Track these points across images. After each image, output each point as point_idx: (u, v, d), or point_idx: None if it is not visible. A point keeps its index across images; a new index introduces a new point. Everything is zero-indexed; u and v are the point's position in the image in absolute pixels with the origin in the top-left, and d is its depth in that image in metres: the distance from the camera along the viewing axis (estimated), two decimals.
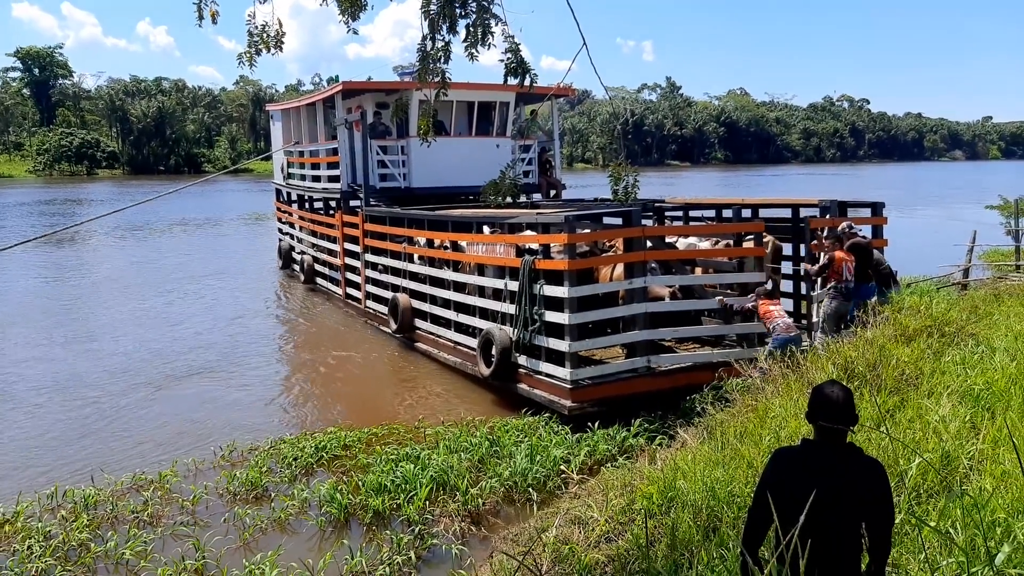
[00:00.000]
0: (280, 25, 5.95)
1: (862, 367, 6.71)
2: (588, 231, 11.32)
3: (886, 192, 54.29)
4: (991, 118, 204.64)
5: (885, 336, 7.43)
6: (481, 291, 11.97)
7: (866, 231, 11.66)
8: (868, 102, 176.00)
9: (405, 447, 9.09)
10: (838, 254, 10.01)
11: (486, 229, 12.21)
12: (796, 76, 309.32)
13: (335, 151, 17.83)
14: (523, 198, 18.31)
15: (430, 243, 13.73)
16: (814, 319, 10.58)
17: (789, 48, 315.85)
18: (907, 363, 6.76)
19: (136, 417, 11.03)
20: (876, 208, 11.71)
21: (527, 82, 5.37)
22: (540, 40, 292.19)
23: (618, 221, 11.15)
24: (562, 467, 8.34)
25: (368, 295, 16.36)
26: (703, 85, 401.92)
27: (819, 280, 10.46)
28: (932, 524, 4.00)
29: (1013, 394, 6.13)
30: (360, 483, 8.06)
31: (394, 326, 14.41)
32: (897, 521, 4.35)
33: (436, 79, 5.85)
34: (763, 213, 13.55)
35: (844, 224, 10.66)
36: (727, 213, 13.16)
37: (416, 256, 14.08)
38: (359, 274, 16.74)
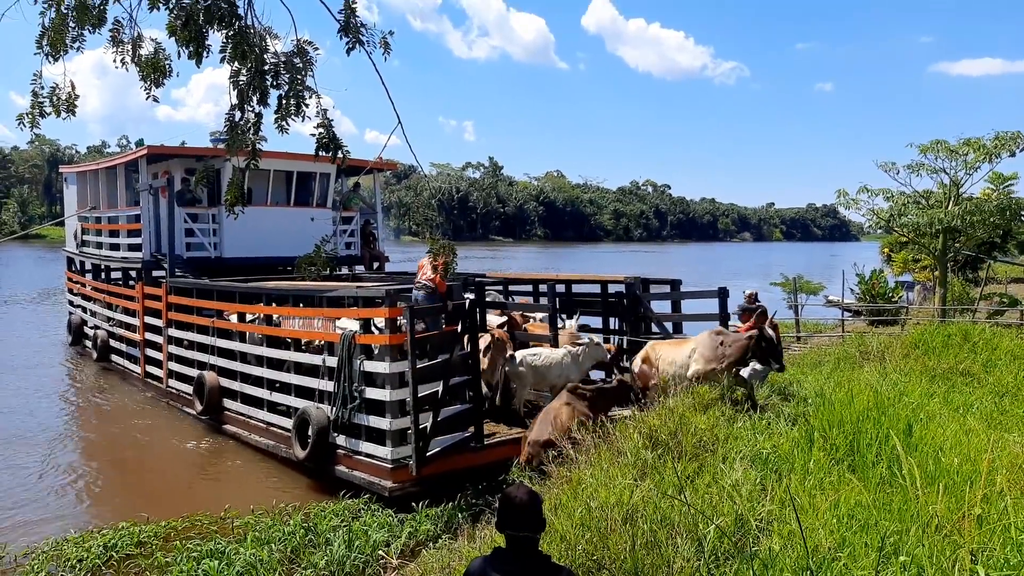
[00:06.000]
0: (73, 88, 5.53)
1: (665, 435, 7.08)
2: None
3: (687, 269, 59.15)
4: (774, 204, 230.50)
5: (685, 405, 7.93)
6: (297, 368, 11.49)
7: (666, 307, 12.57)
8: (669, 187, 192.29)
9: (209, 541, 8.33)
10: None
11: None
12: (607, 161, 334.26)
13: (138, 217, 16.67)
14: (345, 270, 18.04)
15: (242, 317, 13.05)
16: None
17: (600, 135, 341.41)
18: (704, 430, 7.23)
19: None
20: (674, 284, 12.68)
21: (339, 156, 5.32)
22: (364, 114, 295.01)
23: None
24: (382, 552, 8.01)
25: (171, 373, 15.21)
26: (523, 166, 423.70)
27: None
28: None
29: (796, 456, 6.70)
30: None
31: (200, 407, 13.44)
32: None
33: (247, 149, 5.65)
34: (576, 288, 14.22)
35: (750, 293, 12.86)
36: (543, 288, 13.66)
37: (226, 331, 13.31)
38: (161, 350, 15.53)
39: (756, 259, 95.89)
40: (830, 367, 13.17)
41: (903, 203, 21.94)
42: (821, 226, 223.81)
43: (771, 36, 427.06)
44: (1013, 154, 20.05)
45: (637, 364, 10.26)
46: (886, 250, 37.90)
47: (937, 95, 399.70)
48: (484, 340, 11.17)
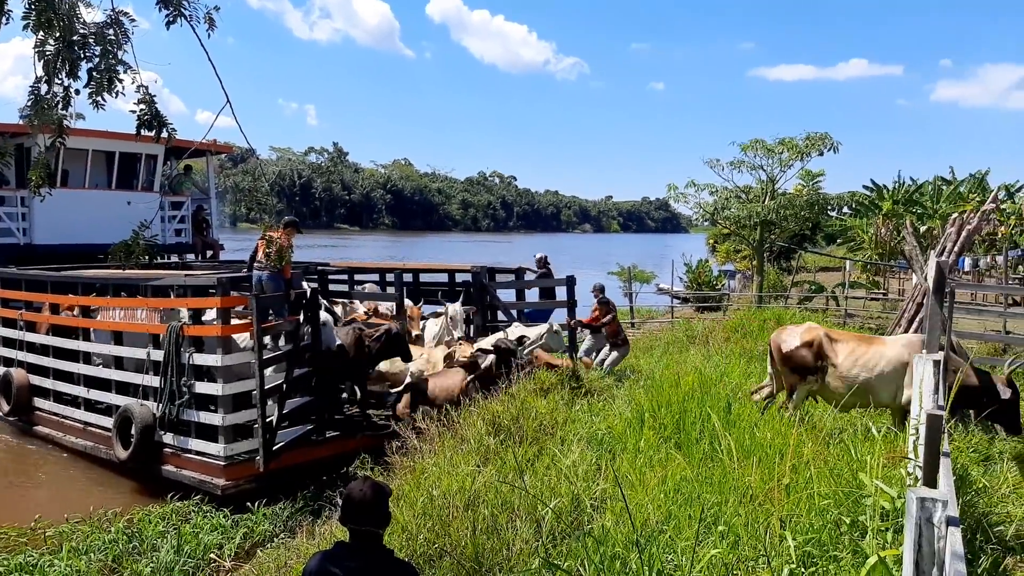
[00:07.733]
0: None
1: (507, 420, 7.24)
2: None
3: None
4: (612, 197, 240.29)
5: (526, 390, 8.13)
6: (118, 363, 10.68)
7: (511, 295, 12.86)
8: (516, 179, 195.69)
9: (19, 554, 7.59)
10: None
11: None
12: (455, 151, 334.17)
13: None
14: (175, 258, 16.98)
15: (55, 309, 11.94)
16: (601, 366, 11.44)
17: (447, 125, 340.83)
18: (545, 414, 7.45)
19: None
20: (518, 273, 12.97)
21: (163, 136, 4.97)
22: (196, 93, 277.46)
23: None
24: (214, 554, 7.63)
25: None
26: (370, 153, 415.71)
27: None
28: (563, 565, 4.36)
29: (628, 436, 7.05)
30: None
31: (6, 407, 12.25)
32: (535, 565, 4.69)
33: (52, 125, 5.15)
34: (424, 277, 14.20)
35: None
36: (390, 277, 13.51)
37: (36, 324, 12.13)
38: None
39: (596, 250, 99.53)
40: (660, 351, 13.95)
41: (726, 197, 23.63)
42: (655, 218, 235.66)
43: (609, 35, 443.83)
44: (822, 153, 22.10)
45: (789, 345, 7.87)
46: (711, 241, 40.70)
47: (757, 97, 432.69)
48: (489, 357, 9.77)
